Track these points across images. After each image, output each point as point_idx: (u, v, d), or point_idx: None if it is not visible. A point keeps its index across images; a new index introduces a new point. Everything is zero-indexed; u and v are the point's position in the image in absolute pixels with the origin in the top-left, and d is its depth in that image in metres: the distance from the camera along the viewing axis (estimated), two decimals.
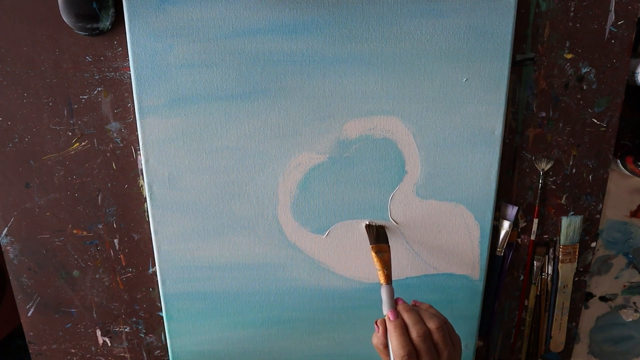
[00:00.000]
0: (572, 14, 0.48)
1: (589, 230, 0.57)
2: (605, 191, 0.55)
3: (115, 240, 0.54)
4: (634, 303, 0.63)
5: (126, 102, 0.49)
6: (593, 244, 0.58)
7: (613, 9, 0.48)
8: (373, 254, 0.48)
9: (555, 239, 0.57)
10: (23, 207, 0.52)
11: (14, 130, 0.50)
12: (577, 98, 0.51)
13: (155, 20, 0.45)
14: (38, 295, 0.56)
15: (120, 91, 0.49)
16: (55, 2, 0.45)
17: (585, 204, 0.56)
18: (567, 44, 0.49)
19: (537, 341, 0.62)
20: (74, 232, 0.54)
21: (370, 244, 0.50)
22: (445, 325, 0.43)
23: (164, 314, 0.55)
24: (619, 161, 0.55)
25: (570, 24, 0.49)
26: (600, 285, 0.62)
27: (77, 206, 0.53)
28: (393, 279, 0.48)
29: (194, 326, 0.56)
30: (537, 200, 0.55)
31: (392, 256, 0.49)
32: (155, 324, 0.58)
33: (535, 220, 0.55)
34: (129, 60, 0.46)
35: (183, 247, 0.53)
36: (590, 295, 0.62)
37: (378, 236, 0.51)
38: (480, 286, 0.56)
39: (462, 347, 0.58)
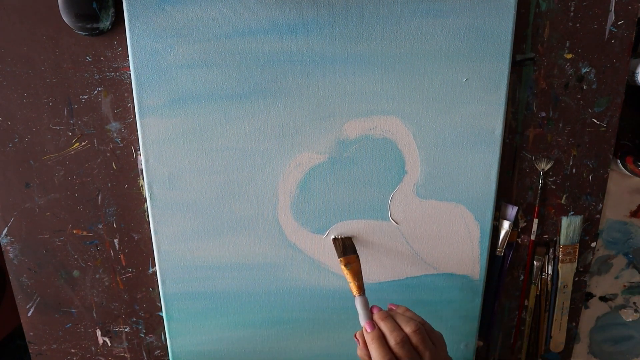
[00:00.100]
0: (572, 14, 0.48)
1: (589, 230, 0.57)
2: (605, 191, 0.55)
3: (115, 240, 0.54)
4: (634, 303, 0.63)
5: (126, 102, 0.49)
6: (593, 244, 0.58)
7: (613, 9, 0.48)
8: (342, 267, 0.48)
9: (555, 239, 0.57)
10: (23, 207, 0.52)
11: (14, 130, 0.50)
12: (577, 98, 0.51)
13: (155, 20, 0.45)
14: (38, 295, 0.56)
15: (120, 91, 0.49)
16: (55, 2, 0.45)
17: (585, 204, 0.56)
18: (567, 44, 0.49)
19: (537, 341, 0.62)
20: (74, 232, 0.54)
21: (338, 257, 0.49)
22: (422, 327, 0.42)
23: (164, 314, 0.55)
24: (619, 161, 0.55)
25: (570, 24, 0.49)
26: (600, 285, 0.62)
27: (77, 206, 0.53)
28: (393, 278, 0.48)
29: (194, 326, 0.56)
30: (537, 200, 0.55)
31: (392, 256, 0.49)
32: (155, 324, 0.58)
33: (535, 220, 0.55)
34: (129, 60, 0.46)
35: (183, 247, 0.53)
36: (590, 295, 0.62)
37: (345, 248, 0.50)
38: (480, 286, 0.56)
39: (462, 347, 0.58)
